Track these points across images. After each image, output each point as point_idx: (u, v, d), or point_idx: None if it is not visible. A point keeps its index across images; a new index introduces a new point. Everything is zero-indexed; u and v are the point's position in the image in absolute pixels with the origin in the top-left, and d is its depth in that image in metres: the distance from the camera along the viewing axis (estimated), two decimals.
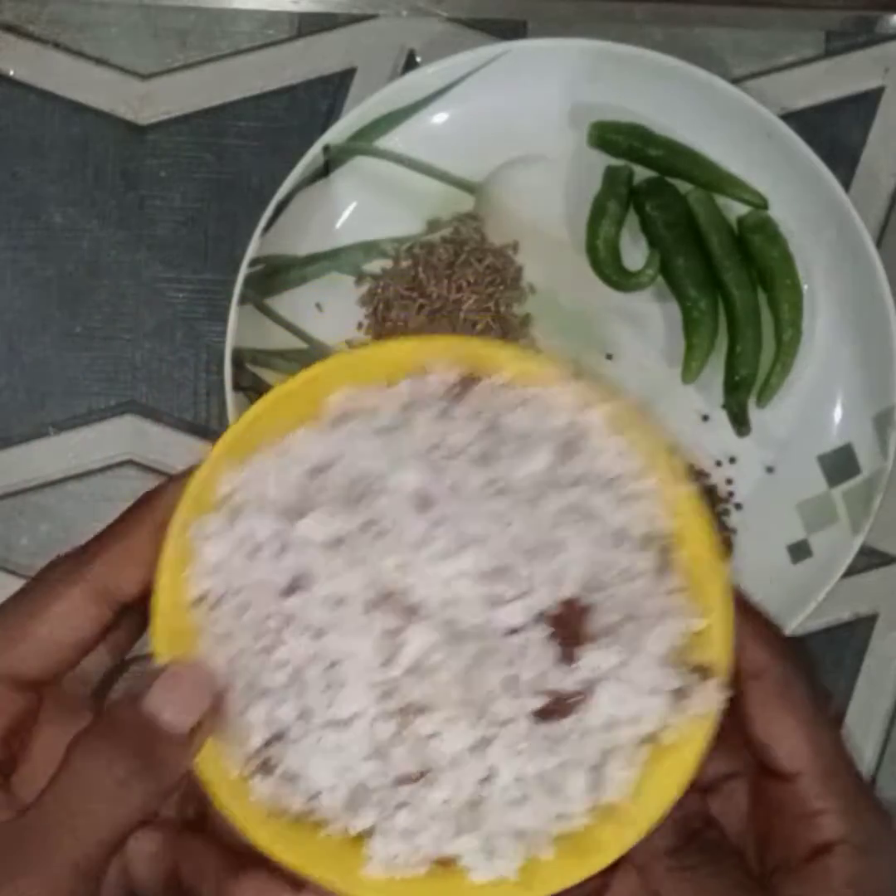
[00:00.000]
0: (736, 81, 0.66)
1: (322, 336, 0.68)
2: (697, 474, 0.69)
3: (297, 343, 0.68)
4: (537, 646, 0.37)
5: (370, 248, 0.68)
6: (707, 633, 0.39)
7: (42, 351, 0.67)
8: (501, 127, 0.68)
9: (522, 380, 0.40)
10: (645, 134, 0.67)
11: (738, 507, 0.69)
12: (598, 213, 0.67)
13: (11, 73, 0.60)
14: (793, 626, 0.66)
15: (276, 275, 0.67)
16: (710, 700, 0.38)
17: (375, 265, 0.68)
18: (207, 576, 0.39)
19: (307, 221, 0.67)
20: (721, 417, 0.68)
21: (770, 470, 0.69)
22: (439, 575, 0.37)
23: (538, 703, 0.37)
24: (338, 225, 0.68)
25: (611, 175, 0.67)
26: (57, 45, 0.61)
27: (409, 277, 0.68)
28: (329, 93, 0.68)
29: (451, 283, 0.68)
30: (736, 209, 0.68)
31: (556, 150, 0.68)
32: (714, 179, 0.67)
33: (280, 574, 0.38)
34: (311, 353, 0.68)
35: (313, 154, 0.66)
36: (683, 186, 0.67)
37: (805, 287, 0.68)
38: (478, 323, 0.68)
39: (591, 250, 0.67)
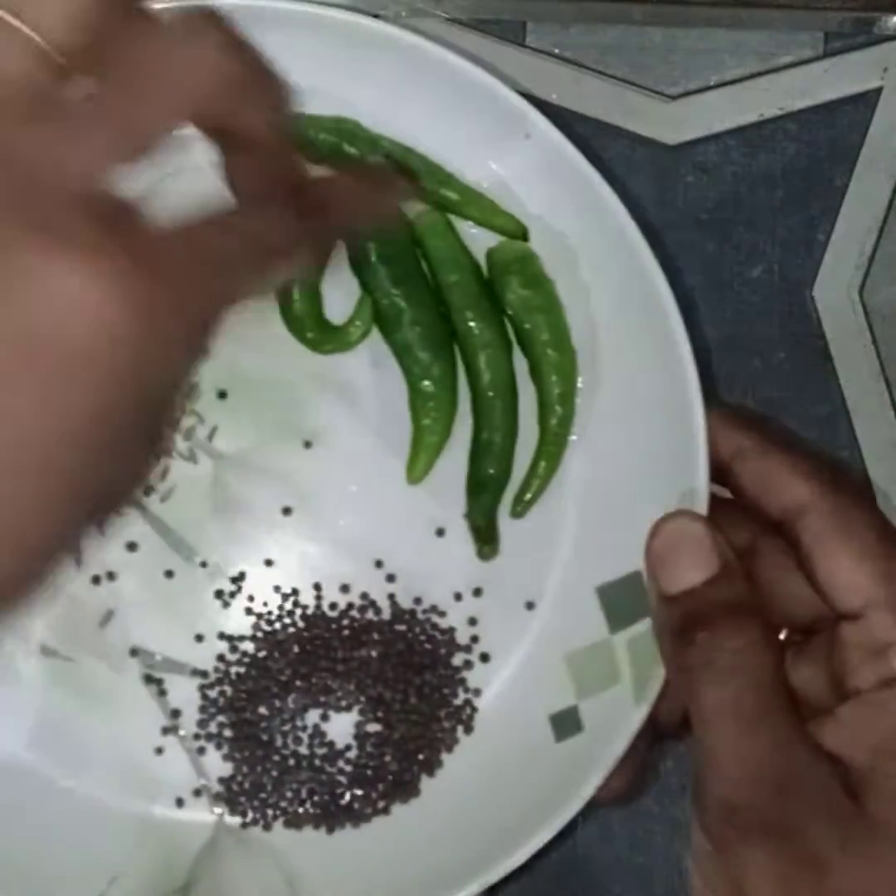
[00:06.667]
0: (734, 82, 0.57)
1: None
2: (426, 612, 0.50)
3: None
4: None
5: None
6: None
7: None
8: None
9: None
10: (355, 131, 0.49)
11: (485, 658, 0.50)
12: None
13: None
14: (555, 824, 0.47)
15: None
16: None
17: None
18: None
19: None
20: (463, 531, 0.50)
21: (530, 606, 0.50)
22: None
23: None
24: None
25: None
26: None
27: None
28: None
29: None
30: (484, 240, 0.50)
31: None
32: (453, 198, 0.49)
33: None
34: None
35: None
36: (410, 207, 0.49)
37: (581, 351, 0.49)
38: None
39: (281, 295, 0.49)
